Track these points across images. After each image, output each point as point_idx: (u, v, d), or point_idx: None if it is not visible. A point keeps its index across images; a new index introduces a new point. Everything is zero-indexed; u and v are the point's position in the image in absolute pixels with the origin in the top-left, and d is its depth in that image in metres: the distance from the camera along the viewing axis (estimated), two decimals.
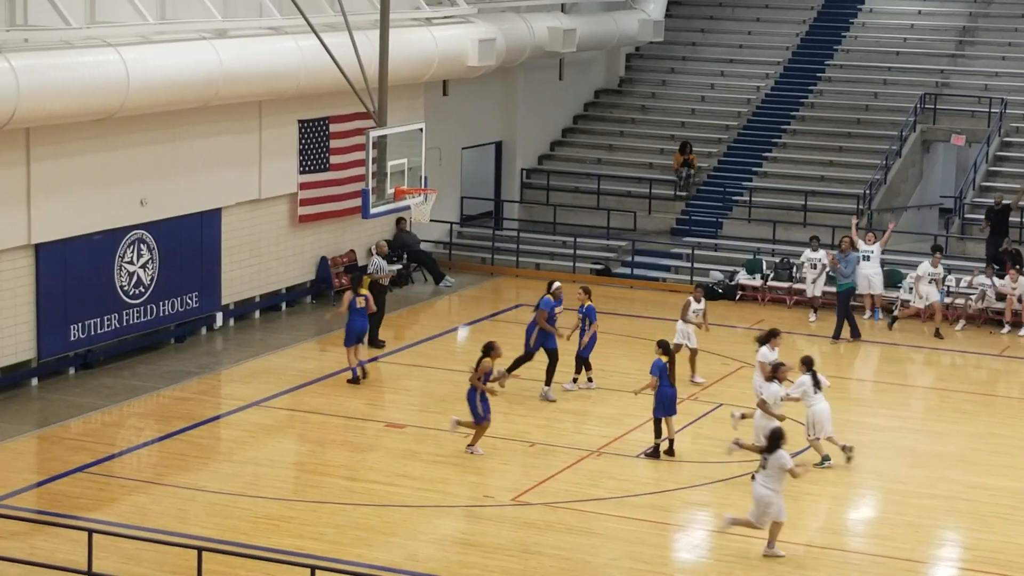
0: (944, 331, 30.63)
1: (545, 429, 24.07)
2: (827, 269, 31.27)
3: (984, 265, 31.92)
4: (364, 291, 26.69)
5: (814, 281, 31.91)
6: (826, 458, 22.31)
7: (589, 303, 26.24)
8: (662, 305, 33.10)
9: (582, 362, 26.32)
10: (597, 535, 19.69)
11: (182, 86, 25.73)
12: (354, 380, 26.27)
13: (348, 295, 26.68)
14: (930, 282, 31.05)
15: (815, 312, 31.77)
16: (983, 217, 34.22)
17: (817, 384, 22.23)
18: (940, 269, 31.41)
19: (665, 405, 22.64)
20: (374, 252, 29.80)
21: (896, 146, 37.81)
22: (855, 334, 30.03)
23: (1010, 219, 33.55)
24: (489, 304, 33.17)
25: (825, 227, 34.94)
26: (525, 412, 24.86)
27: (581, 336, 26.16)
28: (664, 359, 22.72)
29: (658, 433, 22.66)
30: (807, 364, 22.43)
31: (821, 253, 31.81)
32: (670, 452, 22.65)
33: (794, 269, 33.23)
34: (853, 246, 30.81)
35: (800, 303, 32.52)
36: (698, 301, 27.35)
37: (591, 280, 35.03)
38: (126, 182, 26.81)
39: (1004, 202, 33.72)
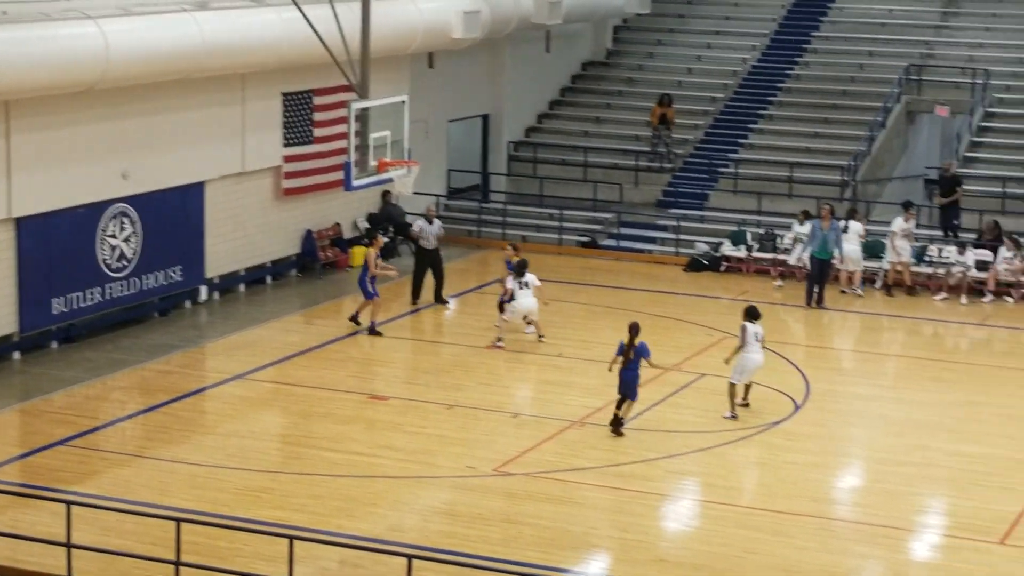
0: (897, 292, 31.37)
1: (528, 400, 24.15)
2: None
3: (942, 234, 32.21)
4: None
5: (800, 255, 31.87)
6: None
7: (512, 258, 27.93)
8: (648, 277, 33.17)
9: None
10: (579, 505, 19.74)
11: (163, 58, 25.71)
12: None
13: (371, 252, 27.90)
14: (903, 237, 31.21)
15: (782, 280, 31.90)
16: (935, 184, 34.46)
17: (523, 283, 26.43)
18: (912, 224, 31.73)
19: (620, 384, 22.50)
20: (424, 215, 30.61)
21: (881, 117, 37.82)
22: (820, 301, 30.24)
23: (960, 187, 33.38)
24: (475, 276, 33.16)
25: (810, 198, 34.97)
26: (508, 383, 24.92)
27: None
28: (625, 341, 22.49)
29: (619, 405, 22.56)
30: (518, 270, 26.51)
31: (808, 227, 31.79)
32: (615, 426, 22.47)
33: (778, 240, 33.24)
34: (833, 215, 30.83)
35: (784, 274, 32.53)
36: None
37: (578, 252, 35.15)
38: (108, 155, 26.77)
39: (953, 170, 33.77)
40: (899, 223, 31.50)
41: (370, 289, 27.63)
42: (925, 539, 19.15)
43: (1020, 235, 32.77)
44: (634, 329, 22.49)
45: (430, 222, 30.00)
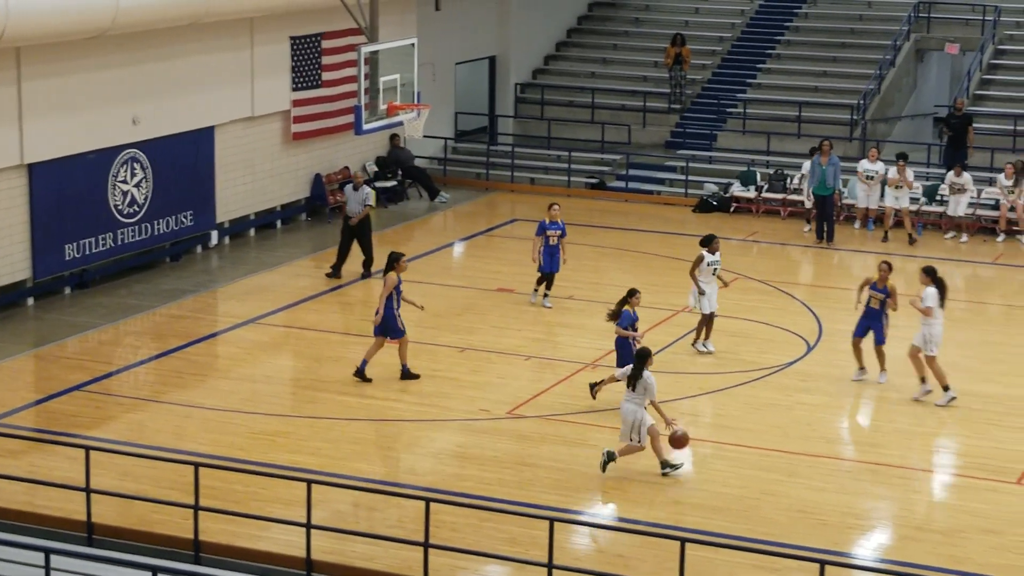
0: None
1: (540, 343, 24.16)
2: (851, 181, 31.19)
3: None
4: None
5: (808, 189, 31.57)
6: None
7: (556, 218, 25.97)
8: (656, 218, 33.14)
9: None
10: (593, 447, 19.75)
11: (173, 3, 25.55)
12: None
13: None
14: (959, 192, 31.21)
15: (808, 223, 31.70)
16: (943, 122, 34.31)
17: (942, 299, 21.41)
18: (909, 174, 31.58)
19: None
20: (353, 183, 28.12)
21: (890, 56, 37.67)
22: (830, 239, 30.36)
23: (972, 125, 33.22)
24: (484, 219, 33.17)
25: (818, 138, 34.77)
26: (520, 326, 24.93)
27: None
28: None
29: None
30: (930, 274, 21.59)
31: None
32: None
33: (788, 180, 33.16)
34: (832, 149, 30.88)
35: (795, 214, 32.48)
36: (713, 253, 23.58)
37: (586, 194, 35.11)
38: (118, 101, 26.73)
39: (965, 109, 33.60)
40: (891, 172, 31.46)
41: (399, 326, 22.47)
42: (941, 480, 19.22)
43: None
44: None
45: (355, 189, 27.67)
